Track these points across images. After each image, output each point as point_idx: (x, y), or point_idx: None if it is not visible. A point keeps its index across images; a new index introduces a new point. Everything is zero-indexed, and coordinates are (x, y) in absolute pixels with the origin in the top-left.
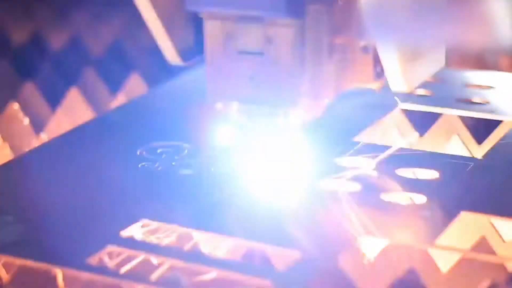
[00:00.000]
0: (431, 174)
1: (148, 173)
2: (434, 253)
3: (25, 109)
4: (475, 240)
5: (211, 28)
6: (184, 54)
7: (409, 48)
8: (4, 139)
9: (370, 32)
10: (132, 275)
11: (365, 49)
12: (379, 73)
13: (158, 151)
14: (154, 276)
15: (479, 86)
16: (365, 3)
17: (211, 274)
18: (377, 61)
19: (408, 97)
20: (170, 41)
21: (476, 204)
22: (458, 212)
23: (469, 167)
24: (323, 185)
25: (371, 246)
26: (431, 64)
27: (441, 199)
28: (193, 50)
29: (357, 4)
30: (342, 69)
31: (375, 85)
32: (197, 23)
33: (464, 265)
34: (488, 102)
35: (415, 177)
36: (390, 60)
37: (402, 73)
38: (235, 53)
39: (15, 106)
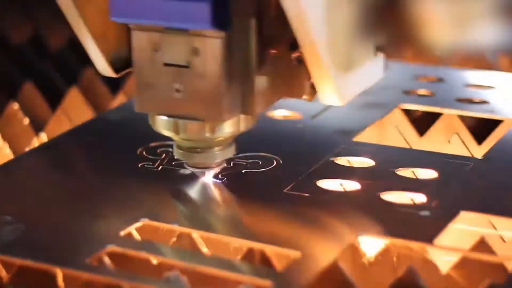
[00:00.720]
0: (431, 174)
1: (148, 173)
2: (434, 253)
3: (25, 109)
4: (475, 240)
5: (138, 40)
6: (116, 65)
7: (341, 59)
8: (4, 139)
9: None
10: (132, 275)
11: (298, 60)
12: (313, 85)
13: (158, 151)
14: (154, 276)
15: (479, 86)
16: (293, 15)
17: (211, 274)
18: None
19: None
20: (101, 52)
21: (476, 204)
22: (458, 212)
23: (469, 167)
24: (322, 184)
25: (371, 246)
26: (367, 76)
27: (441, 199)
28: (126, 61)
29: (288, 15)
30: (274, 81)
31: (309, 97)
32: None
33: (464, 265)
34: (488, 102)
35: (415, 177)
36: (321, 72)
37: (334, 86)
38: (162, 65)
39: (15, 106)
